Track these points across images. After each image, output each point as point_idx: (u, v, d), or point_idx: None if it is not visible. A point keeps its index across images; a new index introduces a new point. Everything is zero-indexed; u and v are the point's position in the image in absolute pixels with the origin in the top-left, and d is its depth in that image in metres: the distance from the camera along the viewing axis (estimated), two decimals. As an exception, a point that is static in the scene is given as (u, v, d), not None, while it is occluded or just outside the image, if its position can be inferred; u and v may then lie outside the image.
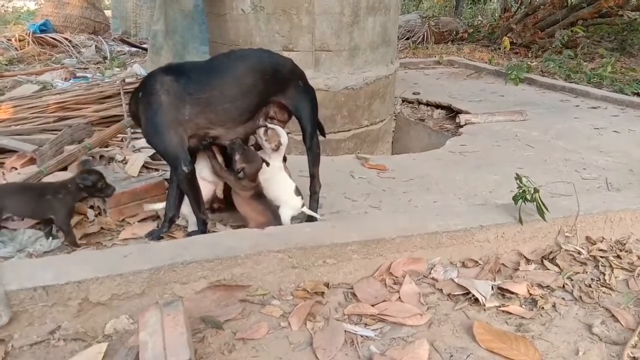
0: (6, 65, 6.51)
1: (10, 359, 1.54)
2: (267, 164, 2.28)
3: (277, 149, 2.30)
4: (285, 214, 2.30)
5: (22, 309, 1.58)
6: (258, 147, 2.36)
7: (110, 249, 2.09)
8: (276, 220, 2.27)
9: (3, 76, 5.56)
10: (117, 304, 1.68)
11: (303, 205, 2.35)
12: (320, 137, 2.51)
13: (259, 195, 2.30)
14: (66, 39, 7.58)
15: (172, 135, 2.07)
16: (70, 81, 5.39)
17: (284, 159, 2.49)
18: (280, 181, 2.36)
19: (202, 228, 2.23)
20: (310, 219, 2.38)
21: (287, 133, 2.39)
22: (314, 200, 2.44)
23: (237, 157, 2.19)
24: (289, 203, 2.33)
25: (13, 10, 15.08)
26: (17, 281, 1.60)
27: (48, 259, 1.98)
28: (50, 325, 1.62)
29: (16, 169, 2.86)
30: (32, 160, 2.89)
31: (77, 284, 1.62)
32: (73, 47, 7.40)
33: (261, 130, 2.29)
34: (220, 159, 2.33)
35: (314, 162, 2.43)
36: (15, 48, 7.22)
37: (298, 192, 2.36)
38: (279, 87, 2.28)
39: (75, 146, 2.94)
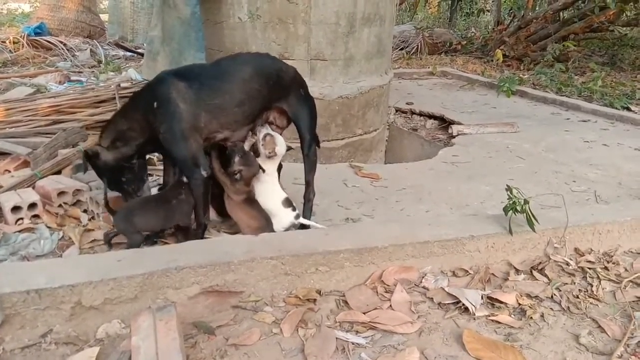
0: (0, 67, 6.49)
1: (1, 362, 1.54)
2: (264, 170, 2.30)
3: (271, 156, 2.32)
4: (277, 225, 2.31)
5: (15, 312, 1.58)
6: (255, 153, 2.37)
7: (104, 253, 2.09)
8: (269, 225, 2.28)
9: (-3, 78, 5.54)
10: (110, 308, 1.69)
11: (298, 217, 2.35)
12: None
13: (252, 201, 2.31)
14: (61, 42, 7.58)
15: (192, 142, 2.11)
16: (65, 84, 5.38)
17: (280, 167, 2.51)
18: (268, 190, 2.36)
19: (200, 233, 2.24)
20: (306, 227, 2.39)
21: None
22: (307, 209, 2.46)
23: (236, 159, 2.21)
24: (279, 215, 2.33)
25: (7, 12, 15.04)
26: (10, 284, 1.60)
27: (41, 262, 1.98)
28: (42, 329, 1.62)
29: (10, 171, 2.86)
30: (25, 163, 2.89)
31: (70, 287, 1.62)
32: (68, 50, 7.39)
33: (261, 134, 2.31)
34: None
35: (310, 170, 2.45)
36: (10, 50, 7.21)
37: (288, 203, 2.36)
38: (281, 93, 2.32)
39: (69, 150, 2.95)
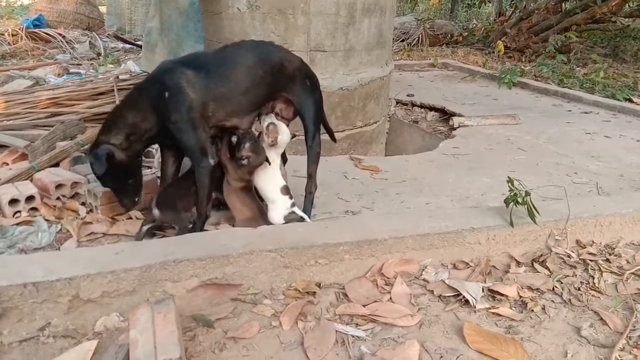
0: (-2, 59, 6.47)
1: (-2, 355, 1.53)
2: (269, 163, 2.30)
3: (273, 144, 2.31)
4: (274, 214, 2.30)
5: (12, 305, 1.57)
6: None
7: (102, 246, 2.08)
8: (262, 215, 2.29)
9: (-5, 71, 5.52)
10: (108, 302, 1.68)
11: (293, 205, 2.34)
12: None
13: (249, 189, 2.33)
14: (60, 34, 7.54)
15: (201, 130, 2.11)
16: (64, 77, 5.35)
17: (285, 160, 2.50)
18: (269, 176, 2.36)
19: (201, 225, 2.23)
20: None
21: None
22: (308, 201, 2.44)
23: (247, 145, 2.21)
24: (277, 202, 2.32)
25: (6, 5, 14.98)
26: (7, 277, 1.59)
27: (39, 255, 1.97)
28: (39, 322, 1.61)
29: (7, 164, 2.85)
30: (23, 156, 2.88)
31: (67, 280, 1.61)
32: (67, 42, 7.36)
33: (265, 123, 2.31)
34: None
35: (313, 161, 2.44)
36: (8, 43, 7.18)
37: (286, 190, 2.36)
38: (286, 82, 2.31)
39: (67, 142, 2.93)
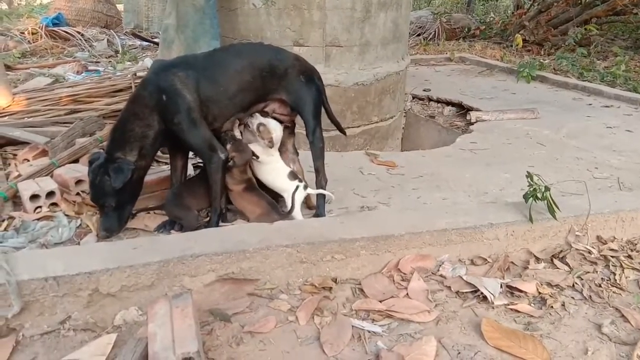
0: (19, 58, 6.57)
1: (21, 348, 1.56)
2: (257, 157, 2.32)
3: (270, 145, 2.32)
4: (290, 200, 2.31)
5: (33, 299, 1.60)
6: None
7: (121, 240, 2.10)
8: (274, 210, 2.29)
9: (16, 69, 5.61)
10: (127, 296, 1.70)
11: (306, 187, 2.35)
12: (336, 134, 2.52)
13: (252, 188, 2.35)
14: (78, 32, 7.64)
15: (204, 127, 2.14)
16: (82, 74, 5.42)
17: (296, 153, 2.50)
18: (274, 170, 2.38)
19: (217, 219, 2.25)
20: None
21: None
22: (320, 196, 2.44)
23: (228, 146, 2.24)
24: (289, 190, 2.33)
25: (26, 4, 15.22)
26: (29, 271, 1.61)
27: (59, 249, 2.00)
28: (60, 316, 1.64)
29: (28, 160, 2.89)
30: (44, 153, 2.92)
31: (87, 275, 1.63)
32: (85, 40, 7.46)
33: (254, 125, 2.32)
34: None
35: (317, 156, 2.44)
36: (28, 41, 7.30)
37: (294, 175, 2.37)
38: (277, 83, 2.31)
39: (86, 139, 2.97)
